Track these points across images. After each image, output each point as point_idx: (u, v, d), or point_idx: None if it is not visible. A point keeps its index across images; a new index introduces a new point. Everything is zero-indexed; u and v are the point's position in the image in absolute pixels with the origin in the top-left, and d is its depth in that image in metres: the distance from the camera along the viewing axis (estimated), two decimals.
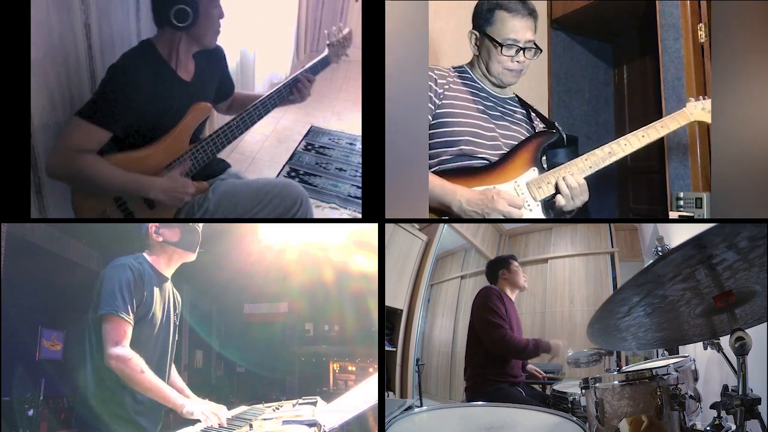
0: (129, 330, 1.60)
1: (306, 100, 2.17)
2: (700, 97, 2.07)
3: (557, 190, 1.95)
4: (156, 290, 1.72)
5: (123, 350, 1.57)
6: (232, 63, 3.04)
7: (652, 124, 2.01)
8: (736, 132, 1.98)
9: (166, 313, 1.77)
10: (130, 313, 1.61)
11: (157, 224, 1.77)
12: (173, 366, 1.87)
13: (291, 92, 2.11)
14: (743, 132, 1.98)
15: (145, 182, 1.86)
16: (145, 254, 1.75)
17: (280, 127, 3.50)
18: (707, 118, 2.05)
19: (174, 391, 1.66)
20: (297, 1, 3.92)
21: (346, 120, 3.59)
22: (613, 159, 1.97)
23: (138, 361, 1.58)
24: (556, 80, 3.49)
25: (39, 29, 1.80)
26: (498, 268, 2.71)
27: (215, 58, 2.10)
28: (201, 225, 1.82)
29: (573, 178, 1.92)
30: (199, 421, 1.63)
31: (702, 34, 2.59)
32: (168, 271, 1.78)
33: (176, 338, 1.86)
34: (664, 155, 2.75)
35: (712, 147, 2.12)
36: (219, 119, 2.29)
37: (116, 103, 1.77)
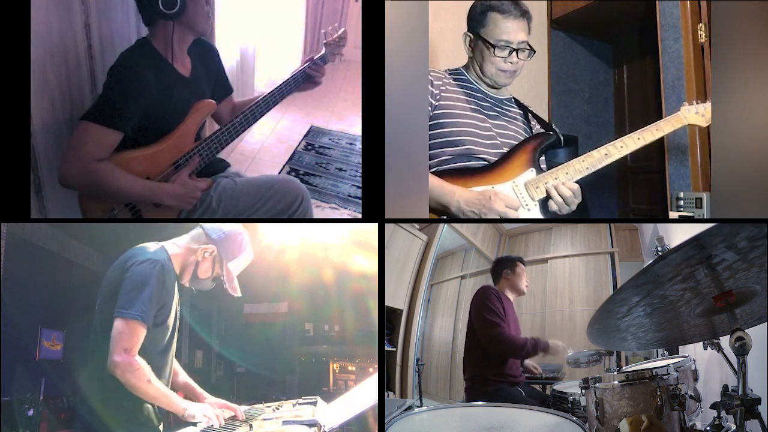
0: (143, 336, 1.51)
1: (320, 84, 2.18)
2: (694, 101, 2.09)
3: (548, 196, 1.95)
4: (174, 288, 1.65)
5: (131, 359, 1.49)
6: (231, 62, 3.04)
7: (647, 127, 2.03)
8: (736, 132, 1.98)
9: (176, 314, 1.71)
10: (150, 318, 1.53)
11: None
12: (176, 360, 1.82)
13: (303, 80, 2.13)
14: (743, 132, 1.98)
15: (158, 189, 1.86)
16: (166, 248, 1.64)
17: (280, 127, 3.50)
18: (701, 122, 2.07)
19: (176, 396, 1.63)
20: (296, 1, 3.92)
21: (346, 120, 3.58)
22: (610, 160, 1.98)
23: (145, 371, 1.50)
24: (556, 80, 3.49)
25: (39, 29, 1.80)
26: (503, 267, 2.71)
27: (210, 53, 2.12)
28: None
29: (565, 187, 1.92)
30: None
31: (702, 34, 2.59)
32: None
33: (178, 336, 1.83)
34: (664, 155, 2.75)
35: (712, 147, 2.13)
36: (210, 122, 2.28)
37: (123, 102, 1.78)
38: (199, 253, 1.69)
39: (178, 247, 1.68)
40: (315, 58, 2.17)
